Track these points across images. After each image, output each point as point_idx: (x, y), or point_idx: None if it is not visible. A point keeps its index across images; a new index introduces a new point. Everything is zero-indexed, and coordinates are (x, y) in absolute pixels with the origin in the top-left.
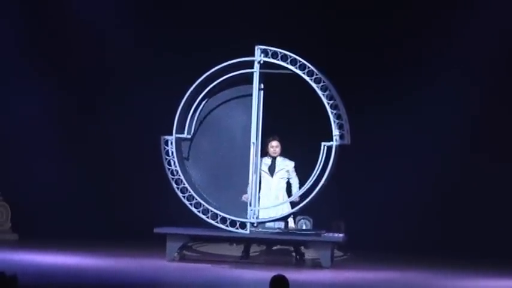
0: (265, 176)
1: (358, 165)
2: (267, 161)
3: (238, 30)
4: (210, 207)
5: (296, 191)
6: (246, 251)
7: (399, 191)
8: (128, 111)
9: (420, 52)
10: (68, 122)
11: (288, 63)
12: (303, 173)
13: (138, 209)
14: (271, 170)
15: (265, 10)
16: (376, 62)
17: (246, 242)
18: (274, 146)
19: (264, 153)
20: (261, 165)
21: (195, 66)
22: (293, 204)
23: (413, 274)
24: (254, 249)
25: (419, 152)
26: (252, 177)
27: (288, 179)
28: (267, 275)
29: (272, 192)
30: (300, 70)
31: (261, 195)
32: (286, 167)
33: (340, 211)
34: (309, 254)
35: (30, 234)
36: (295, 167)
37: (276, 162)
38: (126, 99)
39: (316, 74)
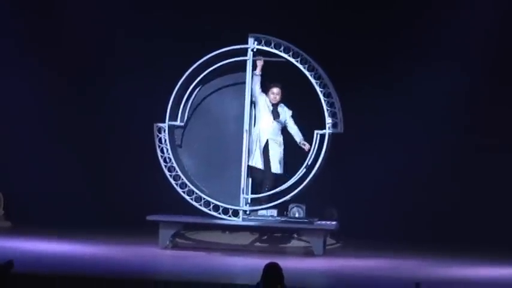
0: (266, 113)
1: (351, 152)
2: (268, 102)
3: (232, 18)
4: (202, 195)
5: (297, 131)
6: None
7: (392, 178)
8: (121, 98)
9: (413, 39)
10: (59, 111)
11: (281, 51)
12: (296, 161)
13: (131, 197)
14: (273, 113)
15: None
16: (370, 49)
17: None
18: (275, 92)
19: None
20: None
21: (188, 54)
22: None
23: (405, 262)
24: (247, 237)
25: (413, 140)
26: (244, 165)
27: (285, 125)
28: (260, 262)
29: (264, 135)
30: (293, 58)
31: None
32: (284, 114)
33: (333, 199)
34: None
35: (23, 222)
36: (292, 116)
37: (278, 108)
38: (120, 87)
39: (309, 62)
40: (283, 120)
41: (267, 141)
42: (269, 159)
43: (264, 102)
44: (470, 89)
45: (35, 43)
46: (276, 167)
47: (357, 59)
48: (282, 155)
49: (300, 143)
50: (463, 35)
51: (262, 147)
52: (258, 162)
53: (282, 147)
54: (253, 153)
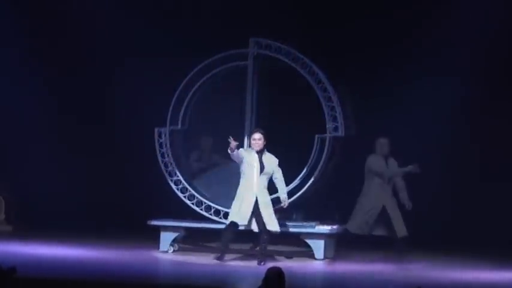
0: (253, 170)
1: (354, 155)
2: (253, 154)
3: (234, 21)
4: (203, 199)
5: (283, 187)
6: None
7: None
8: (122, 103)
9: (416, 45)
10: (60, 114)
11: (282, 56)
12: (297, 166)
13: (133, 200)
14: (261, 166)
15: (262, 2)
16: (372, 55)
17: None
18: (257, 138)
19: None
20: (244, 157)
21: (189, 58)
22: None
23: (407, 266)
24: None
25: (414, 143)
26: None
27: (271, 175)
28: (261, 266)
29: (253, 191)
30: (294, 62)
31: (238, 193)
32: (272, 164)
33: (335, 202)
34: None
35: (23, 226)
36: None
37: (264, 158)
38: (120, 92)
39: (310, 67)
40: (270, 172)
41: (256, 198)
42: (261, 217)
43: (249, 157)
44: (471, 95)
45: (37, 45)
46: (273, 225)
47: (358, 64)
48: (271, 210)
49: (282, 200)
50: (463, 44)
51: (251, 206)
52: (246, 222)
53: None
54: (239, 211)
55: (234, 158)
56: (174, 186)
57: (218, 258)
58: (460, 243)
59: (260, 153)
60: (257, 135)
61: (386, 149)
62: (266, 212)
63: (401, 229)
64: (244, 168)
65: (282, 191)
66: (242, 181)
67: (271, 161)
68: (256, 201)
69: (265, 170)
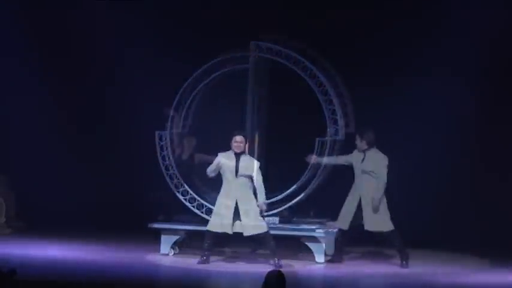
0: (230, 173)
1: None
2: (231, 157)
3: (234, 25)
4: (204, 202)
5: (262, 192)
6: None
7: (398, 184)
8: (123, 105)
9: (417, 44)
10: (62, 117)
11: (282, 59)
12: (298, 168)
13: (133, 203)
14: (236, 168)
15: (264, 4)
16: (376, 58)
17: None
18: (239, 141)
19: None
20: (220, 161)
21: (190, 61)
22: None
23: (410, 268)
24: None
25: (416, 145)
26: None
27: (251, 178)
28: (261, 269)
29: (232, 193)
30: (294, 66)
31: (218, 196)
32: (251, 166)
33: (337, 204)
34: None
35: (24, 228)
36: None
37: (241, 160)
38: (121, 93)
39: (310, 70)
40: (247, 173)
41: (236, 202)
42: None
43: (226, 159)
44: (471, 94)
45: (37, 46)
46: (250, 230)
47: (364, 67)
48: (257, 210)
49: (259, 205)
50: (464, 44)
51: (231, 211)
52: (227, 227)
53: (255, 201)
54: (219, 219)
55: (211, 170)
56: (174, 189)
57: (202, 262)
58: (460, 244)
59: (238, 155)
60: (239, 138)
61: (357, 143)
62: (247, 213)
63: (373, 224)
64: (224, 172)
65: (261, 195)
66: (223, 185)
67: (249, 162)
68: (237, 204)
69: (241, 171)
